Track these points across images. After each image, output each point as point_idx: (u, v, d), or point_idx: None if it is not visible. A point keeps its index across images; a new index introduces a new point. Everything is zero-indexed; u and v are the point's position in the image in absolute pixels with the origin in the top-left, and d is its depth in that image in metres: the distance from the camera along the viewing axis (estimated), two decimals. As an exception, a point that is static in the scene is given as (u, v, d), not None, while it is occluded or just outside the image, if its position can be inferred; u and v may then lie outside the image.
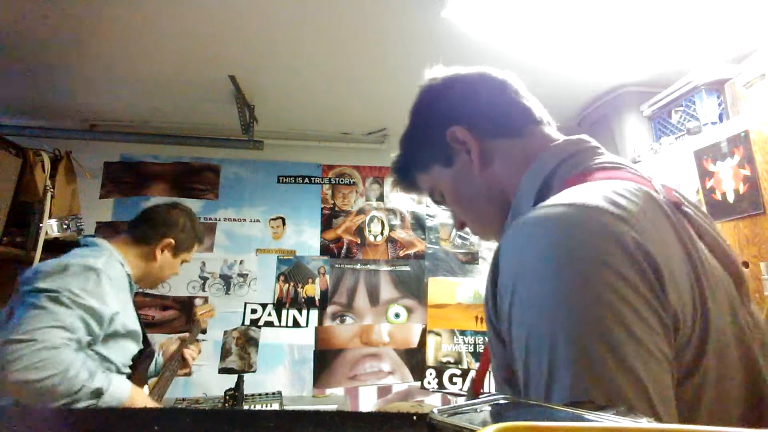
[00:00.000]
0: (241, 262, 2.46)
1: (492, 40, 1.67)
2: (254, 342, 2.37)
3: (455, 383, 2.42)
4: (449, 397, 2.44)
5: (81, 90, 2.11)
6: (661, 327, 0.36)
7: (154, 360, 1.50)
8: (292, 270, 2.50)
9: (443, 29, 1.60)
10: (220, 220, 2.50)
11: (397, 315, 2.51)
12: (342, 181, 2.67)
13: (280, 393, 2.12)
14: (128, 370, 1.26)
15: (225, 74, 1.95)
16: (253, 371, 2.32)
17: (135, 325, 1.26)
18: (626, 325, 0.35)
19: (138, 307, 2.44)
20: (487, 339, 0.48)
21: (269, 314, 2.42)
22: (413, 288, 2.56)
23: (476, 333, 2.51)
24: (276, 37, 1.68)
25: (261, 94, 2.16)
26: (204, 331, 2.27)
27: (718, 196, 1.51)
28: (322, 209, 2.61)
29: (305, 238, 2.55)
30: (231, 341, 2.35)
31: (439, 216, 2.67)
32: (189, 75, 1.97)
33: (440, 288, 2.56)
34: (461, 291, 2.55)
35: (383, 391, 2.44)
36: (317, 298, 2.48)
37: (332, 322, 2.46)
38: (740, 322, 0.43)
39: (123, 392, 1.10)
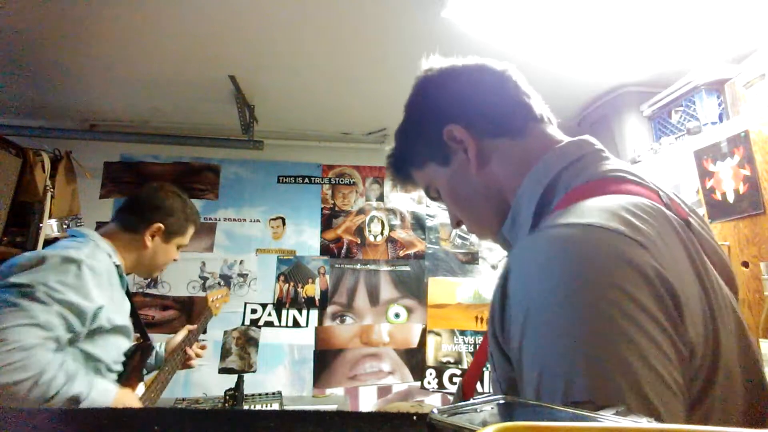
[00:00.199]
0: (241, 262, 2.46)
1: (492, 40, 1.67)
2: (254, 342, 2.37)
3: (455, 383, 2.42)
4: (449, 397, 2.44)
5: (81, 90, 2.10)
6: (677, 357, 0.35)
7: (154, 353, 1.44)
8: (292, 270, 2.50)
9: (443, 29, 1.60)
10: (220, 220, 2.50)
11: (397, 315, 2.51)
12: (342, 181, 2.67)
13: (280, 393, 2.12)
14: (120, 368, 1.18)
15: (225, 74, 1.95)
16: (253, 371, 2.32)
17: (124, 320, 1.17)
18: (646, 358, 0.33)
19: (138, 307, 2.43)
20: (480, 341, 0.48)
21: (269, 314, 2.42)
22: (413, 288, 2.56)
23: (476, 333, 2.50)
24: (276, 37, 1.68)
25: (261, 94, 2.16)
26: (204, 331, 2.27)
27: (718, 196, 1.51)
28: (322, 209, 2.61)
29: (305, 238, 2.55)
30: (231, 341, 2.35)
31: (439, 216, 2.67)
32: (189, 75, 1.97)
33: (440, 288, 2.56)
34: (461, 291, 2.55)
35: (383, 391, 2.44)
36: (317, 298, 2.48)
37: (332, 322, 2.46)
38: (744, 343, 0.42)
39: (106, 398, 1.02)
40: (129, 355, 1.22)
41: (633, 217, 0.40)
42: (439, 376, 2.43)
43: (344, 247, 2.57)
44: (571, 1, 1.47)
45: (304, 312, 2.45)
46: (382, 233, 2.62)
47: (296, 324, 2.43)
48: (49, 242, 1.82)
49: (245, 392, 1.92)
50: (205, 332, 2.27)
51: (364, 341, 2.45)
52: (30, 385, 0.89)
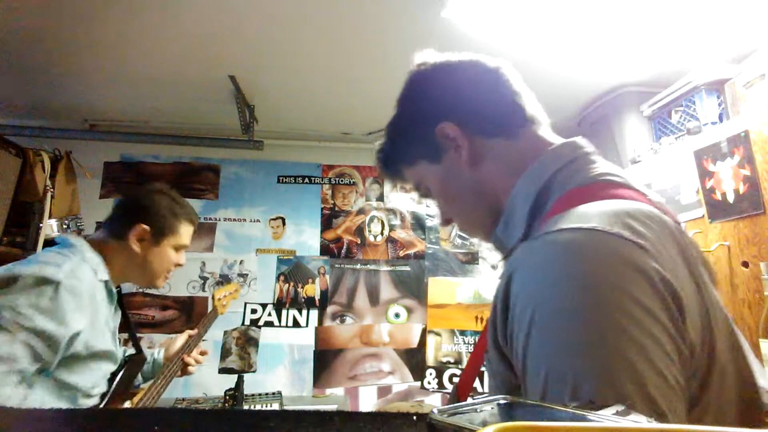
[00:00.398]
0: (241, 262, 2.46)
1: (492, 40, 1.67)
2: (254, 342, 2.37)
3: (455, 383, 2.42)
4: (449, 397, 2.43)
5: (81, 90, 2.10)
6: (679, 358, 0.36)
7: (152, 359, 1.41)
8: (292, 270, 2.50)
9: (443, 29, 1.60)
10: (220, 220, 2.50)
11: (397, 315, 2.51)
12: (342, 181, 2.67)
13: (280, 393, 2.12)
14: (102, 389, 1.10)
15: (225, 74, 1.95)
16: (253, 371, 2.32)
17: (106, 344, 1.07)
18: (652, 361, 0.34)
19: (138, 306, 2.42)
20: (478, 344, 0.48)
21: (269, 314, 2.42)
22: (413, 288, 2.56)
23: (476, 333, 2.51)
24: (276, 37, 1.68)
25: (261, 94, 2.16)
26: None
27: (718, 196, 1.51)
28: (322, 209, 2.61)
29: (305, 238, 2.55)
30: (231, 341, 2.35)
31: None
32: (189, 75, 1.97)
33: (440, 288, 2.56)
34: (461, 291, 2.55)
35: (383, 391, 2.44)
36: (317, 298, 2.48)
37: (332, 322, 2.46)
38: (732, 339, 0.43)
39: None
40: (115, 371, 1.15)
41: (634, 221, 0.41)
42: (439, 376, 2.43)
43: (344, 247, 2.57)
44: (571, 1, 1.47)
45: (304, 312, 2.45)
46: (382, 233, 2.62)
47: (296, 324, 2.43)
48: (49, 242, 1.82)
49: (245, 392, 1.92)
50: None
51: (364, 341, 2.45)
52: None
